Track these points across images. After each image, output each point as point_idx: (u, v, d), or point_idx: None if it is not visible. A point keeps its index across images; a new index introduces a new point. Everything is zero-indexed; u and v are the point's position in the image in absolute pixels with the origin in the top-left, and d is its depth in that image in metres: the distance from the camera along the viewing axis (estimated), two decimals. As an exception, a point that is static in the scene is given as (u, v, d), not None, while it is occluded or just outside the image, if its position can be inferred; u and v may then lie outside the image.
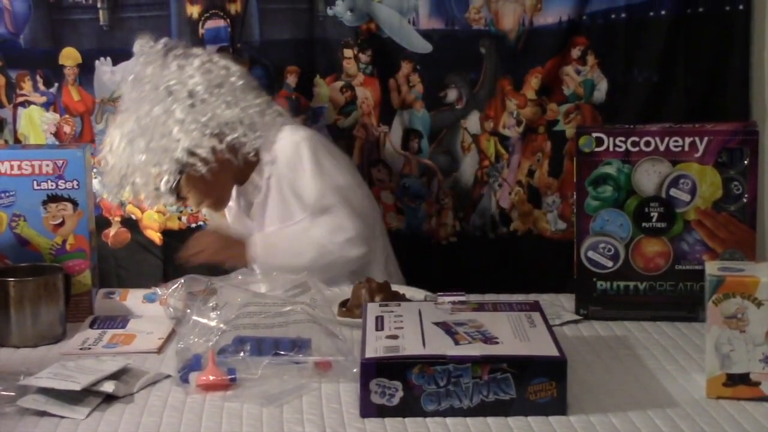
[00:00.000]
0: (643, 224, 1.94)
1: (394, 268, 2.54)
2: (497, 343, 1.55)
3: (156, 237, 2.79)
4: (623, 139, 1.93)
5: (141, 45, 2.43)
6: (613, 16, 2.67)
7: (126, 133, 2.34)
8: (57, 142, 2.73)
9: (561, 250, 2.69)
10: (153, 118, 2.34)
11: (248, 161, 2.42)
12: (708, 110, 2.66)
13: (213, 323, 1.68)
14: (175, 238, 2.71)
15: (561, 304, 2.06)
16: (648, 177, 1.93)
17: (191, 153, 2.35)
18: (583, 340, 1.87)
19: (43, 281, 1.89)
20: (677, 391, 1.60)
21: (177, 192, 2.44)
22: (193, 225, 2.80)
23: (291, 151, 2.37)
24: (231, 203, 2.54)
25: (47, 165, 2.01)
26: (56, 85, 2.73)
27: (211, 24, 2.71)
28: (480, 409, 1.49)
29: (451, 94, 2.74)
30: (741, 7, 2.63)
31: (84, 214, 2.04)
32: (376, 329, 1.62)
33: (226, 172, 2.42)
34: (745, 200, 1.92)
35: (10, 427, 1.50)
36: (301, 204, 2.37)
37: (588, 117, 2.72)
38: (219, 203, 2.54)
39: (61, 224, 2.03)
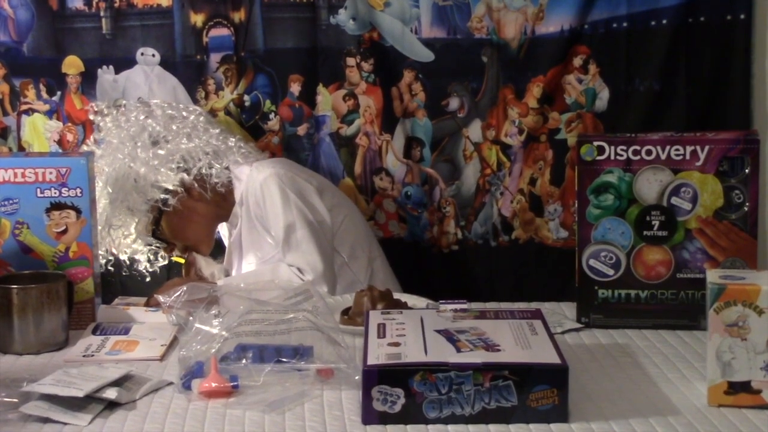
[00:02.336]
0: (645, 232, 1.95)
1: (393, 282, 2.54)
2: (499, 350, 1.55)
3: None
4: (624, 147, 1.93)
5: (96, 107, 2.58)
6: (614, 25, 2.67)
7: (100, 187, 2.39)
8: (60, 150, 2.73)
9: (562, 258, 2.70)
10: (121, 165, 2.42)
11: (222, 195, 2.46)
12: (709, 119, 2.66)
13: (215, 330, 1.69)
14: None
15: (562, 312, 2.06)
16: (649, 185, 1.94)
17: (161, 189, 2.43)
18: (585, 347, 1.87)
19: (46, 288, 1.90)
20: (678, 398, 1.60)
21: (160, 236, 2.51)
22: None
23: (258, 189, 2.40)
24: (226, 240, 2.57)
25: (51, 173, 2.02)
26: (59, 93, 2.74)
27: (215, 32, 2.72)
28: (481, 416, 1.49)
29: (453, 103, 2.75)
30: (742, 16, 2.64)
31: (87, 221, 2.04)
32: (378, 336, 1.63)
33: (203, 208, 2.50)
34: (746, 209, 1.92)
35: (13, 433, 1.50)
36: (272, 238, 2.40)
37: (589, 126, 2.72)
38: (202, 244, 2.58)
39: (65, 232, 2.04)
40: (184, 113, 2.52)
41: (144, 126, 2.47)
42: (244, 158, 2.49)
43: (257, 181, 2.41)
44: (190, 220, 2.51)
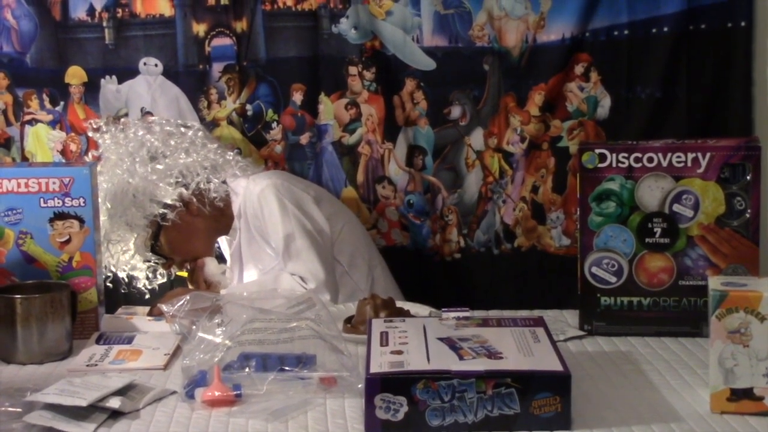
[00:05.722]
0: (647, 240, 1.95)
1: (394, 290, 2.55)
2: (501, 358, 1.56)
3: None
4: (626, 155, 1.94)
5: (95, 124, 2.60)
6: (615, 33, 2.68)
7: (99, 203, 2.40)
8: (63, 160, 2.74)
9: (565, 265, 2.69)
10: (119, 180, 2.43)
11: (220, 210, 2.47)
12: (710, 126, 2.66)
13: (218, 339, 1.69)
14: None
15: (565, 320, 2.07)
16: (651, 193, 1.94)
17: (160, 204, 2.44)
18: (587, 355, 1.87)
19: (50, 298, 1.90)
20: (681, 405, 1.60)
21: (159, 252, 2.51)
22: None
23: (255, 201, 2.41)
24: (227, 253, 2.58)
25: (54, 182, 2.03)
26: (62, 103, 2.75)
27: (217, 42, 2.73)
28: (484, 423, 1.49)
29: (455, 111, 2.75)
30: (743, 23, 2.64)
31: (90, 231, 2.05)
32: (381, 345, 1.63)
33: (201, 222, 2.51)
34: (747, 215, 1.92)
35: (17, 443, 1.51)
36: (271, 249, 2.41)
37: (591, 133, 2.72)
38: (201, 258, 2.59)
39: (68, 241, 2.05)
40: (183, 129, 2.53)
41: (143, 142, 2.48)
42: (241, 171, 2.50)
43: (254, 192, 2.42)
44: (188, 235, 2.51)
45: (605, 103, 2.72)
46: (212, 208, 2.49)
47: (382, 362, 1.54)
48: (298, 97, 2.74)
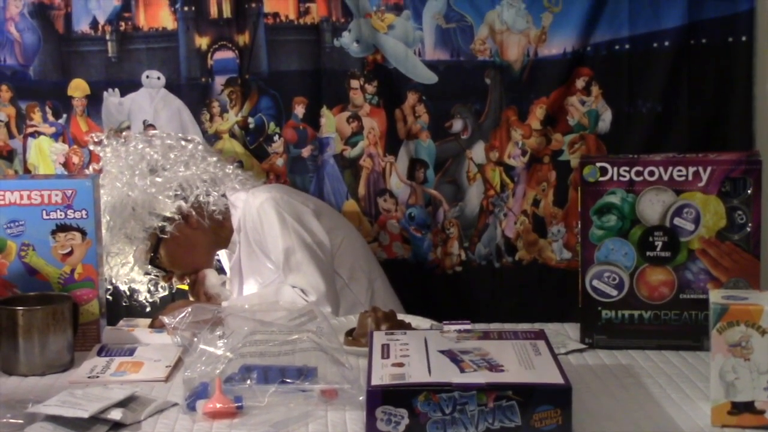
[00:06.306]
0: (648, 253, 1.95)
1: (394, 303, 2.55)
2: (502, 370, 1.56)
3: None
4: (627, 168, 1.94)
5: (96, 138, 2.60)
6: (616, 47, 2.69)
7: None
8: (66, 173, 2.75)
9: (566, 279, 2.70)
10: (119, 193, 2.44)
11: (219, 223, 2.48)
12: (711, 140, 2.67)
13: (220, 352, 1.69)
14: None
15: (566, 333, 2.07)
16: (652, 206, 1.94)
17: (159, 217, 2.44)
18: (588, 368, 1.87)
19: (52, 310, 1.90)
20: (682, 419, 1.60)
21: (159, 264, 2.51)
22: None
23: (255, 215, 2.42)
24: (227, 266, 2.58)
25: (56, 195, 2.03)
26: (65, 116, 2.76)
27: (219, 55, 2.74)
28: (485, 436, 1.49)
29: (457, 125, 2.76)
30: (744, 38, 2.65)
31: (92, 243, 2.05)
32: (382, 357, 1.63)
33: (200, 235, 2.51)
34: (748, 229, 1.93)
35: (19, 454, 1.51)
36: (271, 263, 2.41)
37: (592, 147, 2.73)
38: (200, 271, 2.59)
39: (70, 253, 2.05)
40: (183, 142, 2.54)
41: (143, 155, 2.48)
42: (241, 185, 2.50)
43: (254, 206, 2.42)
44: (188, 248, 2.52)
45: (606, 117, 2.73)
46: (211, 221, 2.50)
47: (383, 374, 1.54)
48: (300, 110, 2.75)
